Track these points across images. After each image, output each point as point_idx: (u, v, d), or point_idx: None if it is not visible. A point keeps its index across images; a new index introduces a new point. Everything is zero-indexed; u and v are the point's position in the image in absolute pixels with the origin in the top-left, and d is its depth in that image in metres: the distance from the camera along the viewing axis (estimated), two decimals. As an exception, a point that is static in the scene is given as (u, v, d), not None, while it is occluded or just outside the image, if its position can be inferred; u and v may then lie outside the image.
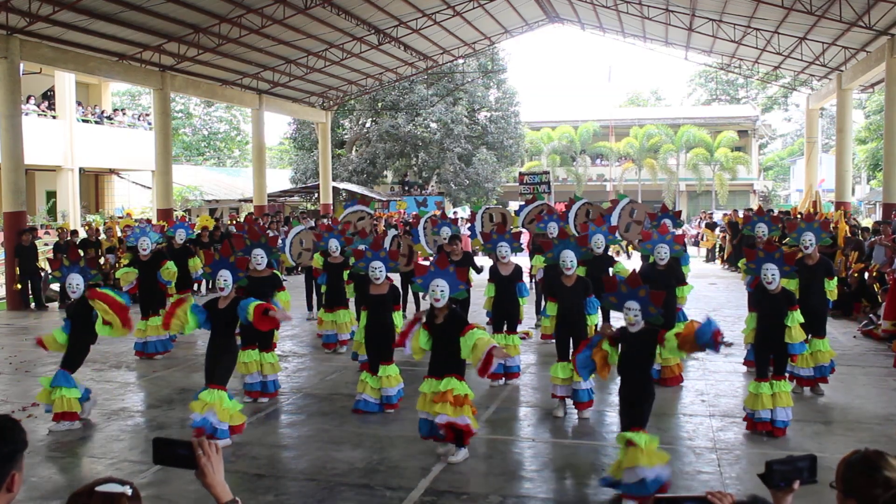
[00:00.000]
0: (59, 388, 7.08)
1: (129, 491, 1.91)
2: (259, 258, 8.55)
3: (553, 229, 10.55)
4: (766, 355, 6.80)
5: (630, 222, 10.62)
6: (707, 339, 5.09)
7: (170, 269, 10.42)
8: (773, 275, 6.67)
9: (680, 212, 11.75)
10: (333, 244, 10.21)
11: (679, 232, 10.40)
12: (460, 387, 6.09)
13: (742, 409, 7.01)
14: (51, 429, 7.02)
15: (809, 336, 7.92)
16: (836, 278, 8.38)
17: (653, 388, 5.47)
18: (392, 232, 11.53)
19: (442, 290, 6.16)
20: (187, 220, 13.52)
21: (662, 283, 8.35)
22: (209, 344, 6.87)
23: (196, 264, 11.53)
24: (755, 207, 17.90)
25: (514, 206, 12.76)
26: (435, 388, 6.12)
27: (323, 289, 10.70)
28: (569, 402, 7.43)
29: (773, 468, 2.21)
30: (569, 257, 7.42)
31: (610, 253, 9.99)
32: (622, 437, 5.31)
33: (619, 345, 5.53)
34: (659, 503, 2.13)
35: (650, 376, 5.51)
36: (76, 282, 7.26)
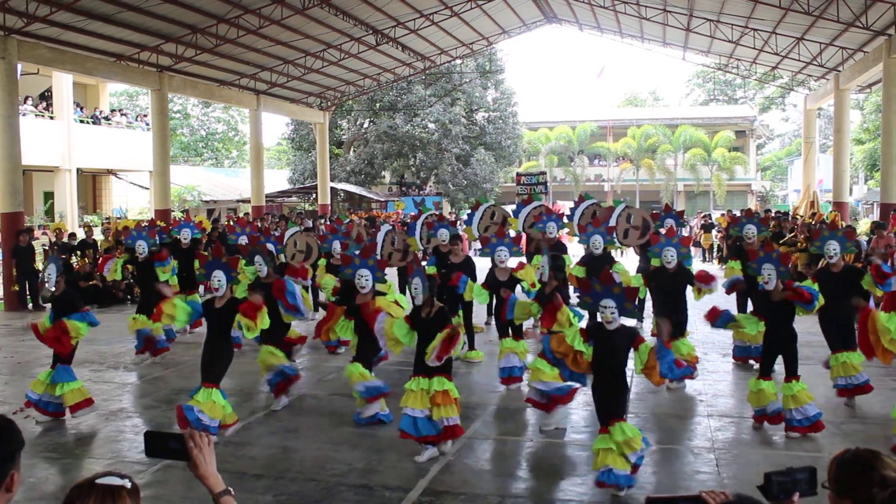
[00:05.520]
0: (63, 384, 7.28)
1: (128, 484, 1.94)
2: (259, 265, 8.21)
3: (552, 229, 10.55)
4: (773, 357, 6.83)
5: (628, 228, 10.60)
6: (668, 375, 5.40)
7: (166, 268, 10.43)
8: (769, 274, 6.64)
9: (682, 212, 11.76)
10: (337, 246, 10.21)
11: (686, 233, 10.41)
12: (452, 388, 6.19)
13: (739, 410, 7.03)
14: (76, 415, 7.34)
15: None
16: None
17: (626, 382, 5.66)
18: (385, 227, 11.45)
19: (416, 288, 6.32)
20: (192, 220, 13.47)
21: (672, 286, 8.29)
22: (206, 344, 6.99)
23: None
24: (752, 208, 17.94)
25: (509, 207, 12.62)
26: (425, 386, 6.10)
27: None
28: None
29: (772, 480, 2.18)
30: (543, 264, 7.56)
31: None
32: (604, 439, 5.42)
33: (593, 341, 5.62)
34: (652, 503, 2.11)
35: (625, 371, 5.62)
36: (49, 272, 7.42)
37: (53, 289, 7.37)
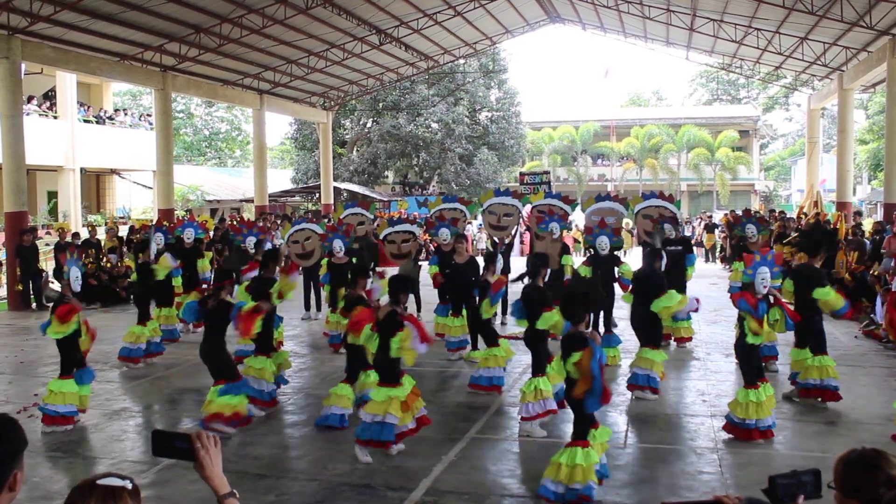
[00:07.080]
0: (86, 386, 7.34)
1: (129, 485, 1.93)
2: (338, 247, 9.98)
3: (555, 230, 10.50)
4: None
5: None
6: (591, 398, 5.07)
7: (162, 264, 10.45)
8: (763, 279, 6.55)
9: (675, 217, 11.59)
10: (338, 244, 10.23)
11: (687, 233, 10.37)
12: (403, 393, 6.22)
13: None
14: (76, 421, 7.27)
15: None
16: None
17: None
18: (416, 229, 11.67)
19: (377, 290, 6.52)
20: (195, 219, 13.50)
21: (643, 292, 8.06)
22: (206, 344, 7.14)
23: (205, 265, 11.53)
24: (756, 208, 17.92)
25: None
26: (390, 394, 6.08)
27: (326, 288, 10.71)
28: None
29: (777, 482, 2.16)
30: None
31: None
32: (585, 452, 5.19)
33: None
34: None
35: None
36: (76, 275, 7.43)
37: (78, 290, 7.36)
